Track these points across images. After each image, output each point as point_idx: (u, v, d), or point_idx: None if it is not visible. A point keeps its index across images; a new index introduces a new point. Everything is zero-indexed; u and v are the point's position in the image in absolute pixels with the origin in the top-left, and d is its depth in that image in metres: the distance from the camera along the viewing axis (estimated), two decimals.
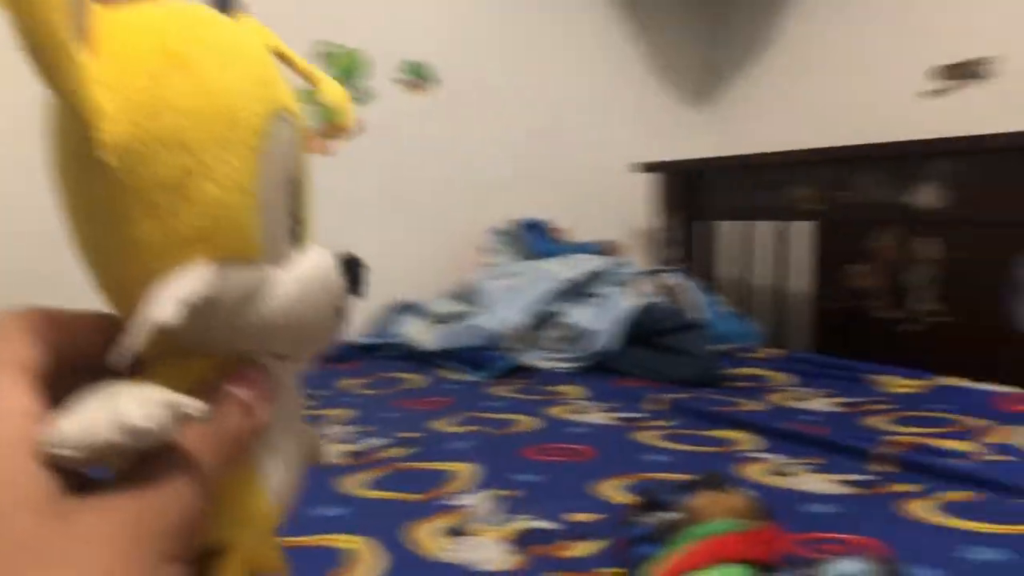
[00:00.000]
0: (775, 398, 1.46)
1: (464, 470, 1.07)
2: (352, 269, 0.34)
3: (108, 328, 0.30)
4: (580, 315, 1.81)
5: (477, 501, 0.95)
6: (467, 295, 2.01)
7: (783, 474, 1.03)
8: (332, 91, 0.37)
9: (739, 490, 0.75)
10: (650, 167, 2.34)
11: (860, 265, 1.83)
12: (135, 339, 0.26)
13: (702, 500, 0.71)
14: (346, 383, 1.65)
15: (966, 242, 1.63)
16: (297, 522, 0.87)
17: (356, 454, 1.16)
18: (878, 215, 1.78)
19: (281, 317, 0.31)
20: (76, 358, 0.30)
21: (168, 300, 0.27)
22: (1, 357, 0.27)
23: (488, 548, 0.83)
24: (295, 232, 0.33)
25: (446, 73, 2.31)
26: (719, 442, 1.19)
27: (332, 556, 0.81)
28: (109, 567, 0.24)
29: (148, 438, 0.25)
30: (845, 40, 2.19)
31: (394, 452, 1.16)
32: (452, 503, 0.95)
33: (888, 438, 1.12)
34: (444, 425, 1.31)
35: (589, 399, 1.48)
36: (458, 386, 1.61)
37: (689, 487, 0.77)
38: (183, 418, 0.26)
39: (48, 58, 0.25)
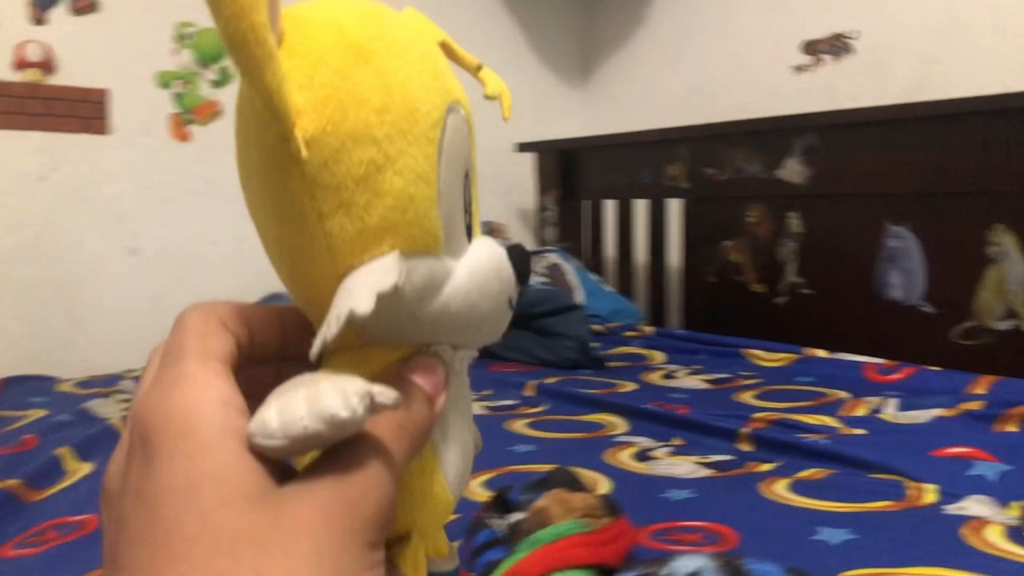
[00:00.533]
0: (651, 377, 1.47)
1: None
2: (519, 259, 0.34)
3: (283, 320, 0.32)
4: None
5: None
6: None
7: (647, 459, 1.02)
8: (493, 83, 0.38)
9: (587, 487, 0.74)
10: (525, 147, 2.32)
11: (732, 240, 1.86)
12: (334, 329, 0.26)
13: (546, 501, 0.69)
14: None
15: (828, 215, 1.67)
16: None
17: None
18: (748, 191, 1.80)
19: (460, 306, 0.32)
20: (256, 349, 0.31)
21: (364, 290, 0.27)
22: (203, 350, 0.28)
23: None
24: (468, 223, 0.33)
25: None
26: (589, 427, 1.18)
27: None
28: (321, 555, 0.25)
29: (348, 427, 0.26)
30: (716, 19, 2.20)
31: None
32: None
33: (754, 415, 1.13)
34: None
35: None
36: None
37: (540, 485, 0.75)
38: (378, 408, 0.26)
39: (251, 57, 0.26)
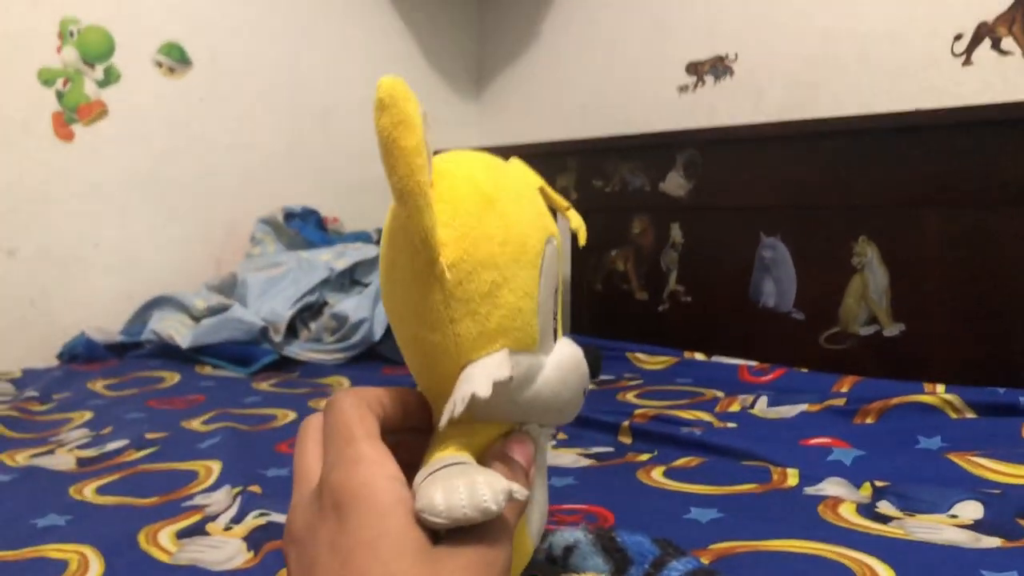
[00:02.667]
0: None
1: (208, 469, 1.02)
2: (593, 358, 0.43)
3: (405, 401, 0.41)
4: (347, 305, 1.78)
5: (216, 500, 0.91)
6: (228, 288, 1.92)
7: None
8: (576, 220, 0.48)
9: None
10: None
11: (618, 250, 1.92)
12: (460, 407, 0.35)
13: None
14: (94, 384, 1.54)
15: (707, 226, 1.75)
16: (7, 537, 0.80)
17: (88, 460, 1.08)
18: (633, 202, 1.87)
19: (548, 394, 0.40)
20: (386, 424, 0.40)
21: (483, 378, 0.36)
22: (368, 432, 0.37)
23: (223, 548, 0.79)
24: (555, 329, 0.42)
25: (208, 57, 2.19)
26: None
27: (43, 569, 0.74)
28: None
29: (493, 516, 0.33)
30: (606, 39, 2.28)
31: (133, 455, 1.09)
32: (190, 504, 0.90)
33: (635, 411, 1.17)
34: (194, 424, 1.24)
35: None
36: (215, 383, 1.54)
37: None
38: (515, 501, 0.35)
39: (416, 206, 0.35)
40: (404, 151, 0.35)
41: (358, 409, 0.38)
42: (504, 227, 0.38)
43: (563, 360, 0.41)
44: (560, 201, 0.46)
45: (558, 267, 0.43)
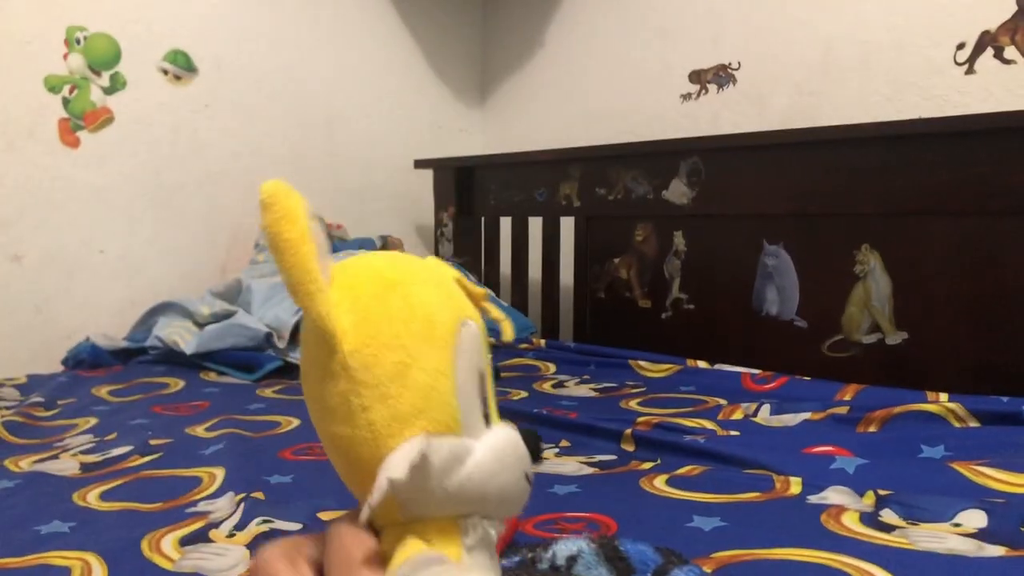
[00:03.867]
0: (543, 386, 1.51)
1: (213, 476, 1.02)
2: (531, 441, 0.44)
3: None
4: None
5: (219, 507, 0.91)
6: (232, 294, 1.93)
7: (536, 460, 1.05)
8: (493, 311, 0.44)
9: None
10: (421, 163, 2.35)
11: (621, 257, 1.92)
12: (376, 497, 0.34)
13: None
14: (99, 390, 1.54)
15: (710, 234, 1.75)
16: (11, 543, 0.80)
17: (92, 465, 1.08)
18: (636, 210, 1.87)
19: (481, 478, 0.37)
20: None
21: (398, 461, 0.34)
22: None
23: (226, 555, 0.79)
24: (485, 413, 0.39)
25: (214, 64, 2.20)
26: None
27: None
28: None
29: None
30: (609, 47, 2.28)
31: (137, 461, 1.10)
32: (193, 511, 0.90)
33: (638, 419, 1.17)
34: (198, 430, 1.25)
35: None
36: (219, 389, 1.54)
37: None
38: None
39: (306, 294, 0.36)
40: (288, 243, 0.36)
41: (285, 560, 0.38)
42: (408, 307, 0.38)
43: (496, 442, 0.39)
44: (475, 290, 0.43)
45: (484, 353, 0.41)
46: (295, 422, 1.28)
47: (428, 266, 0.42)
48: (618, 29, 2.26)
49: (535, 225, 2.12)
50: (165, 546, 0.80)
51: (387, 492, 0.34)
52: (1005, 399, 1.09)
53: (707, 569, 0.67)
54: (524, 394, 1.44)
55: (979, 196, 1.33)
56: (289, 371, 1.69)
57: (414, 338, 0.37)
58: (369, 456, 0.37)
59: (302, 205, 0.37)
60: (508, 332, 0.45)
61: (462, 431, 0.38)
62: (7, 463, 1.10)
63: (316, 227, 0.38)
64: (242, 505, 0.90)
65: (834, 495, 0.88)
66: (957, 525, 0.78)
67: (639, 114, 2.18)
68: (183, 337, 1.76)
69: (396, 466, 0.34)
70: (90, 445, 1.18)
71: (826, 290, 1.55)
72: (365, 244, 2.21)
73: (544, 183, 2.07)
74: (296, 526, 0.84)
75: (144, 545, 0.80)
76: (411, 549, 0.36)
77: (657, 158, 1.82)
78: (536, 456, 0.42)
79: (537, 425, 1.21)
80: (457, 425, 0.37)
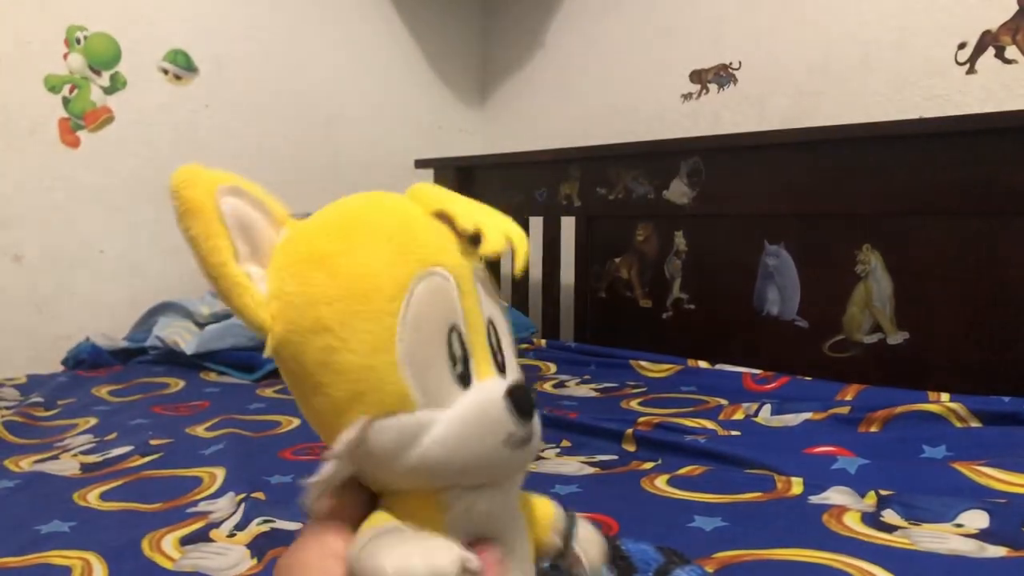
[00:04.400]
0: (543, 386, 1.50)
1: (212, 476, 1.02)
2: (517, 396, 0.36)
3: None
4: None
5: (220, 507, 0.91)
6: None
7: (538, 458, 1.05)
8: (492, 243, 0.39)
9: None
10: (422, 163, 2.35)
11: (621, 257, 1.92)
12: (314, 492, 0.34)
13: None
14: (99, 390, 1.54)
15: (711, 234, 1.75)
16: (11, 543, 0.80)
17: (92, 465, 1.08)
18: (637, 210, 1.87)
19: (438, 455, 0.34)
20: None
21: (330, 457, 0.34)
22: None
23: (227, 554, 0.79)
24: (462, 372, 0.36)
25: (214, 64, 2.20)
26: None
27: (46, 575, 0.74)
28: None
29: None
30: (610, 47, 2.28)
31: (137, 461, 1.09)
32: (193, 511, 0.90)
33: (639, 419, 1.17)
34: (199, 430, 1.24)
35: None
36: (219, 389, 1.54)
37: None
38: (467, 569, 0.32)
39: (219, 287, 0.35)
40: (193, 240, 0.35)
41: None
42: (335, 284, 0.34)
43: (465, 411, 0.35)
44: (463, 225, 0.38)
45: (460, 302, 0.37)
46: (295, 422, 1.28)
47: (388, 211, 0.38)
48: (618, 29, 2.26)
49: (536, 225, 2.11)
50: (166, 546, 0.80)
51: (318, 490, 0.34)
52: (1007, 399, 1.09)
53: (709, 569, 0.67)
54: None
55: (981, 196, 1.33)
56: None
57: (341, 316, 0.34)
58: (325, 437, 0.36)
59: (210, 191, 0.36)
60: (521, 259, 0.39)
61: (417, 405, 0.34)
62: (7, 463, 1.10)
63: (235, 207, 0.36)
64: (243, 505, 0.89)
65: (836, 495, 0.88)
66: (959, 526, 0.78)
67: (639, 114, 2.18)
68: (183, 337, 1.76)
69: (328, 463, 0.34)
70: (90, 445, 1.18)
71: (827, 290, 1.54)
72: None
73: (544, 183, 2.07)
74: (297, 526, 0.84)
75: (145, 544, 0.80)
76: (375, 520, 0.35)
77: (658, 158, 1.82)
78: (524, 413, 0.36)
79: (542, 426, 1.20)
80: (406, 402, 0.34)
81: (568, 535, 0.43)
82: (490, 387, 0.36)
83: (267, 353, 0.36)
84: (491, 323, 0.39)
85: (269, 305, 0.35)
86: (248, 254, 0.36)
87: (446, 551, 0.32)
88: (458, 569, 0.31)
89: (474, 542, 0.36)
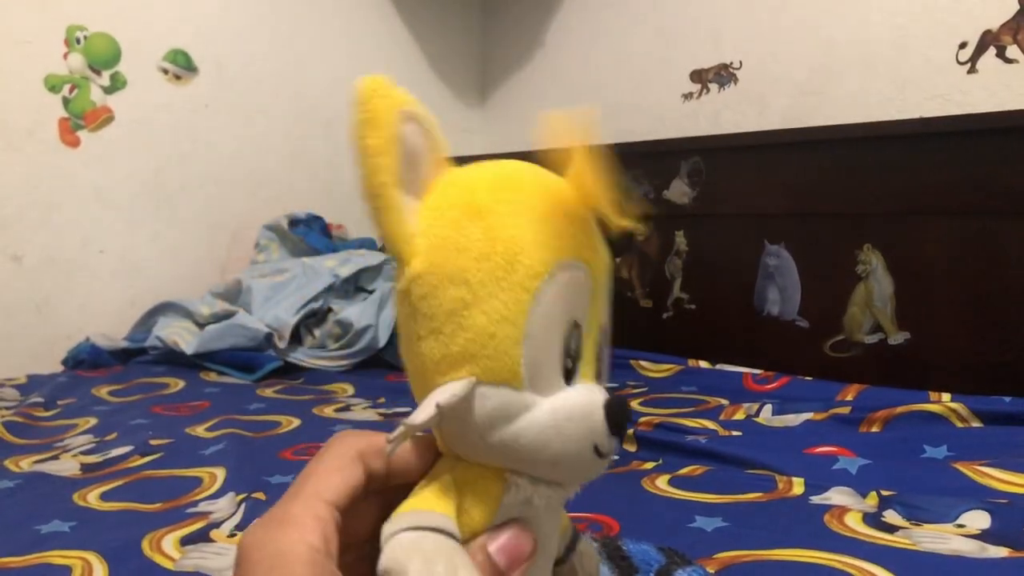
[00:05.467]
0: None
1: (212, 476, 1.02)
2: (616, 410, 0.35)
3: (420, 449, 0.36)
4: (351, 311, 1.78)
5: (220, 507, 0.91)
6: (232, 294, 1.92)
7: None
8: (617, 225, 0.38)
9: None
10: None
11: (622, 257, 1.92)
12: (400, 436, 0.33)
13: None
14: (99, 390, 1.54)
15: (712, 234, 1.75)
16: (11, 543, 0.80)
17: (92, 466, 1.08)
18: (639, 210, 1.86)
19: (531, 439, 0.34)
20: (393, 478, 0.35)
21: (427, 406, 0.32)
22: (317, 491, 0.33)
23: (227, 554, 0.79)
24: (569, 368, 0.35)
25: (214, 64, 2.20)
26: None
27: (46, 575, 0.74)
28: None
29: None
30: (610, 47, 2.28)
31: (138, 461, 1.09)
32: (194, 511, 0.90)
33: (640, 419, 1.17)
34: (199, 430, 1.24)
35: (356, 397, 1.46)
36: (219, 389, 1.54)
37: None
38: None
39: (375, 208, 0.34)
40: (365, 150, 0.34)
41: (340, 459, 0.34)
42: (488, 240, 0.34)
43: (563, 405, 0.34)
44: (617, 222, 0.36)
45: (592, 303, 0.37)
46: (295, 422, 1.28)
47: (551, 191, 0.36)
48: (619, 28, 2.26)
49: None
50: (166, 546, 0.80)
51: (405, 434, 0.33)
52: (1008, 399, 1.09)
53: (710, 569, 0.67)
54: None
55: (982, 195, 1.33)
56: (288, 371, 1.68)
57: (484, 276, 0.34)
58: (422, 383, 0.35)
59: (395, 109, 0.36)
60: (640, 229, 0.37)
61: (524, 385, 0.34)
62: (7, 463, 1.10)
63: (411, 132, 0.36)
64: (243, 505, 0.89)
65: (837, 496, 0.88)
66: (960, 526, 0.78)
67: (640, 113, 2.18)
68: (183, 337, 1.76)
69: (421, 411, 0.32)
70: (90, 445, 1.18)
71: (828, 290, 1.54)
72: (366, 244, 2.21)
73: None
74: None
75: (145, 544, 0.80)
76: (412, 503, 0.34)
77: (658, 158, 1.82)
78: (618, 430, 0.35)
79: None
80: (516, 378, 0.34)
81: (571, 546, 0.42)
82: (593, 391, 0.36)
83: (399, 286, 0.35)
84: (603, 330, 0.38)
85: (415, 239, 0.35)
86: (408, 182, 0.35)
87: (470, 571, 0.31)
88: None
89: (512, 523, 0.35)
